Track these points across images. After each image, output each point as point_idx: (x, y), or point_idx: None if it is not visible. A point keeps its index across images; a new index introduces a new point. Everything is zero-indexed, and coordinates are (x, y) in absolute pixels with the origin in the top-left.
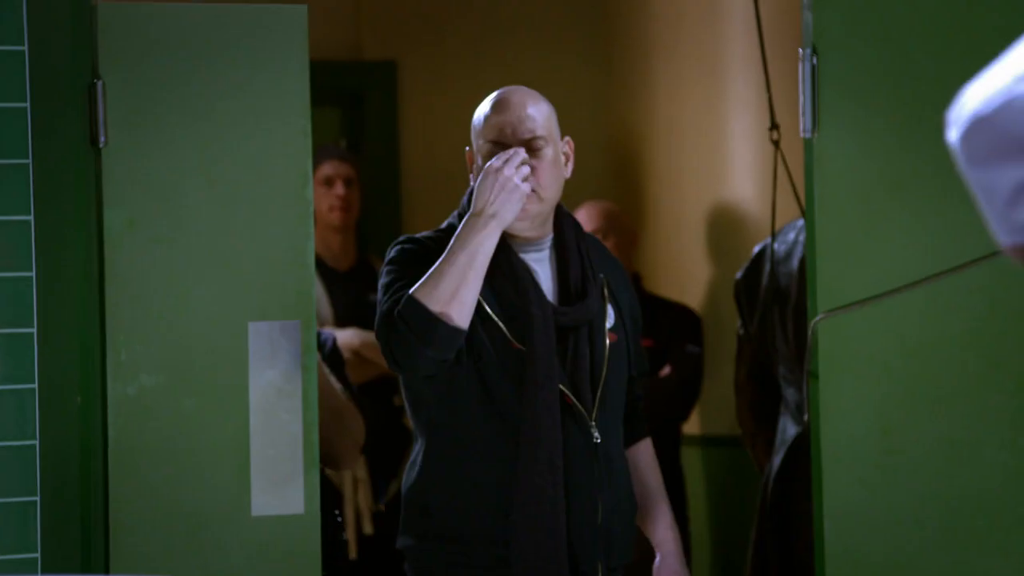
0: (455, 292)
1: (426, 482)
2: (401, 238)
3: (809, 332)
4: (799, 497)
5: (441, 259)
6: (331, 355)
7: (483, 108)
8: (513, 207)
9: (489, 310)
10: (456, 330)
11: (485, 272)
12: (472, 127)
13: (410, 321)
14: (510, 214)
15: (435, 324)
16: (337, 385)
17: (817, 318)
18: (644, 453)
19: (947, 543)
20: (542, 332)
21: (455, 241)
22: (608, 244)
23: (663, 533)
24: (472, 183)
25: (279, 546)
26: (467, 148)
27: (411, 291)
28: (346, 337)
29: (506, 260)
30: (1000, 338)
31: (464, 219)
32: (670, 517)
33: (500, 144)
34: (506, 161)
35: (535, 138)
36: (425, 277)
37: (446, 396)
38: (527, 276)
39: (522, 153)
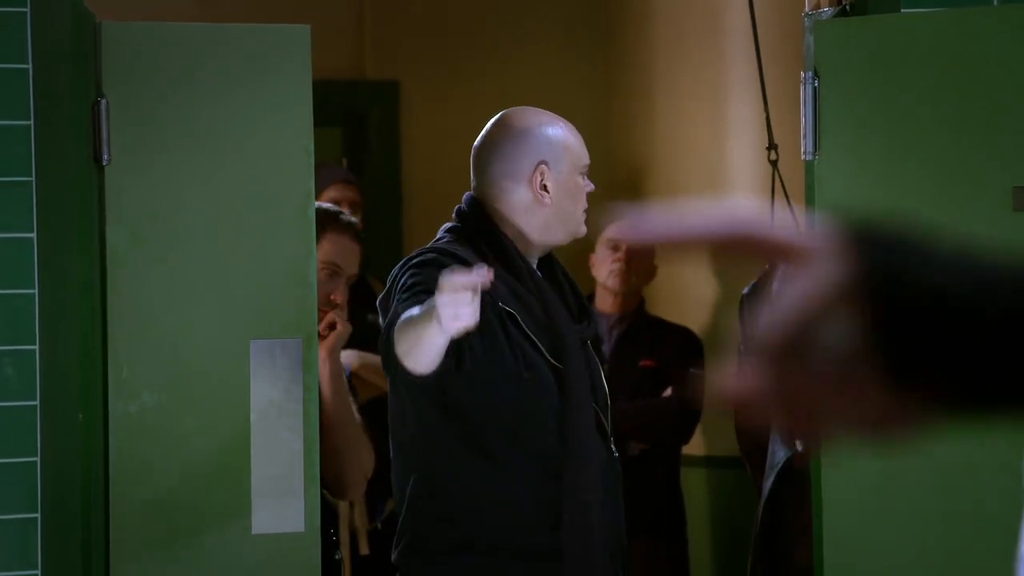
0: (409, 348)
1: (453, 493)
2: (423, 249)
3: None
4: (790, 523)
5: (420, 313)
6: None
7: (570, 131)
8: (463, 322)
9: (527, 329)
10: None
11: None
12: (554, 145)
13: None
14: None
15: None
16: (357, 417)
17: None
18: None
19: (947, 567)
20: (574, 349)
21: (425, 313)
22: (626, 276)
23: None
24: (543, 199)
25: (279, 563)
26: (540, 162)
27: (403, 317)
28: (345, 358)
29: (530, 276)
30: None
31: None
32: None
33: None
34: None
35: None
36: (407, 316)
37: (495, 409)
38: (551, 294)
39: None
